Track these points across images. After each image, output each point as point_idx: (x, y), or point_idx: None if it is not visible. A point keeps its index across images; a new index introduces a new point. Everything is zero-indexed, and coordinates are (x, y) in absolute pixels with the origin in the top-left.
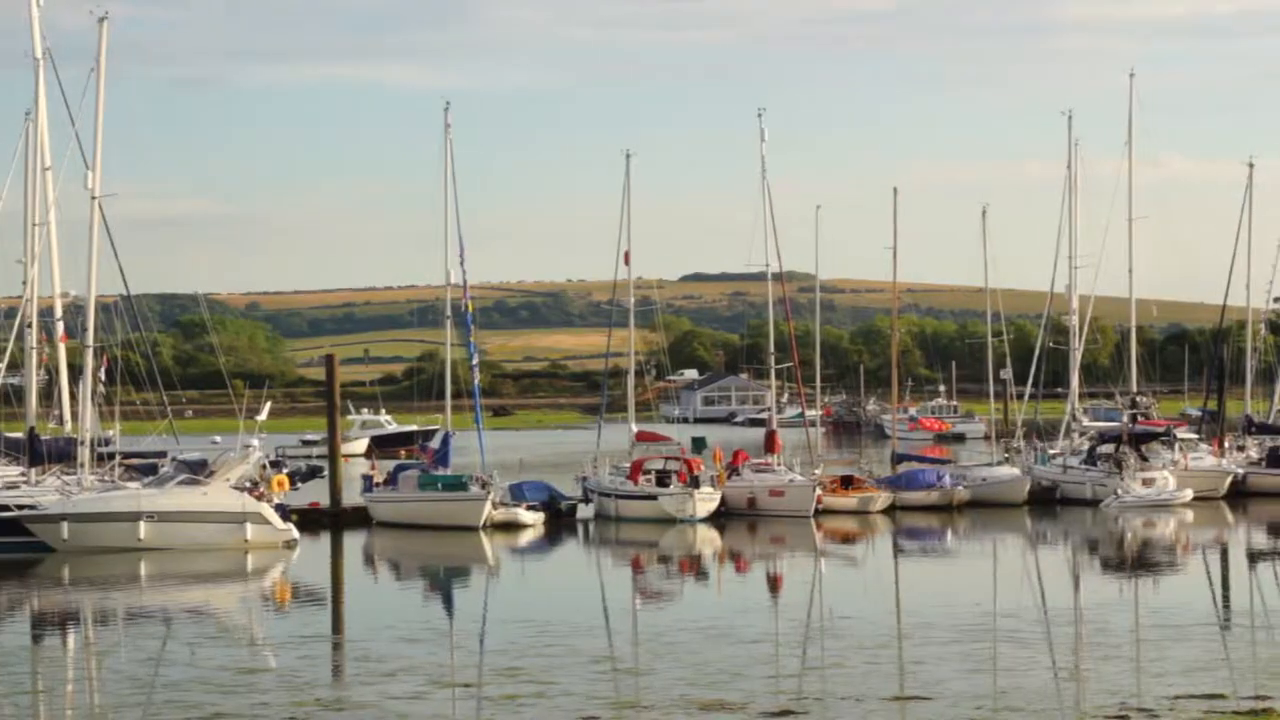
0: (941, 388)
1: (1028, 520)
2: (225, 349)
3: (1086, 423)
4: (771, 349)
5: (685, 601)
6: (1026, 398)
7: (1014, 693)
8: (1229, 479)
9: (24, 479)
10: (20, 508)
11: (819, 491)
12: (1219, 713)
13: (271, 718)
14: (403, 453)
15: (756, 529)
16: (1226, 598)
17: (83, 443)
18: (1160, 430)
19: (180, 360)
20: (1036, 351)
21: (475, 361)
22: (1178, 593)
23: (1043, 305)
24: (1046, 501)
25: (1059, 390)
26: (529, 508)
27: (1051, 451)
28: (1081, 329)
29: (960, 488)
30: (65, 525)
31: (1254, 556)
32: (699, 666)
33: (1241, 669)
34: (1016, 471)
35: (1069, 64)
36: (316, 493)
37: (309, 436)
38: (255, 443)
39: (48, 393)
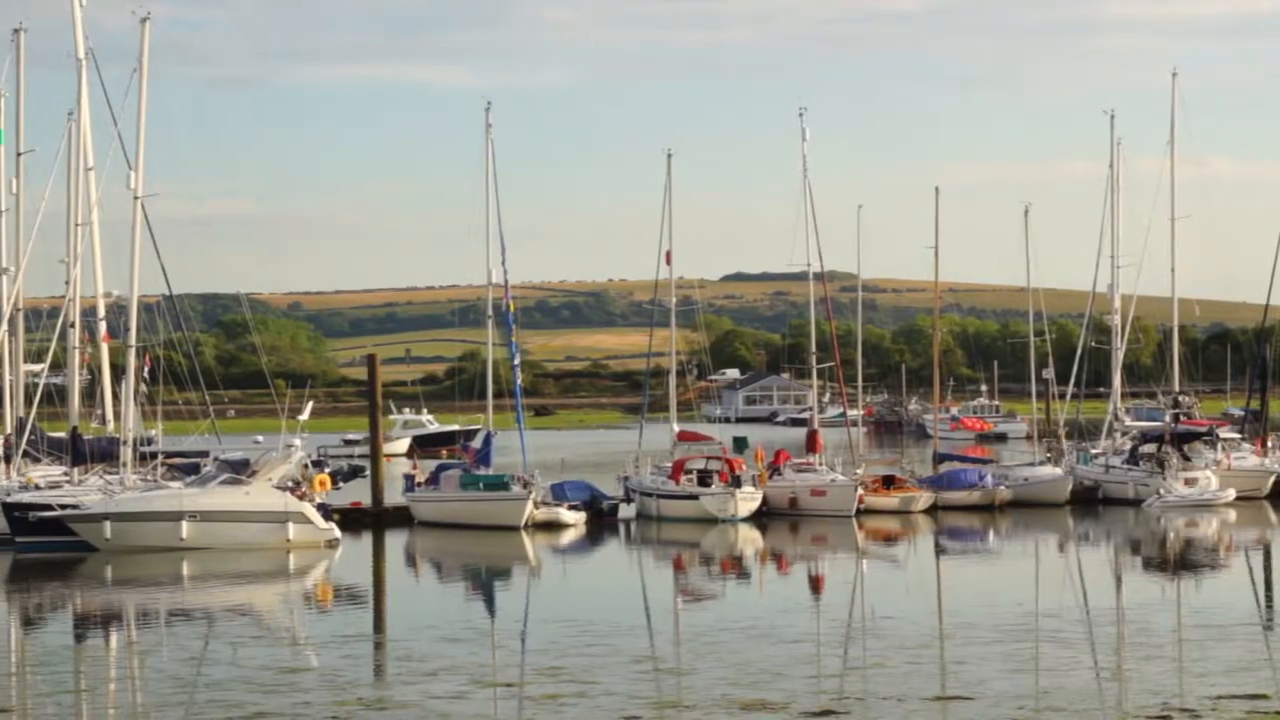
0: (983, 387)
1: (1070, 520)
2: (267, 349)
3: (1129, 422)
4: (813, 348)
5: (727, 601)
6: (1069, 397)
7: (1056, 693)
8: (1272, 479)
9: (67, 478)
10: (63, 507)
11: (860, 491)
12: (1261, 713)
13: (313, 717)
14: (444, 452)
15: (798, 529)
16: (1269, 598)
17: (125, 442)
18: (1203, 430)
19: (222, 360)
20: (1079, 351)
21: (517, 361)
22: (1220, 593)
23: (1085, 305)
24: (1089, 501)
25: (1101, 390)
26: (570, 507)
27: (1094, 451)
28: (1124, 328)
29: (1002, 487)
30: (108, 525)
31: None
32: (740, 666)
33: None
34: (1059, 471)
35: (1110, 63)
36: (358, 492)
37: (351, 436)
38: (297, 442)
39: (90, 392)
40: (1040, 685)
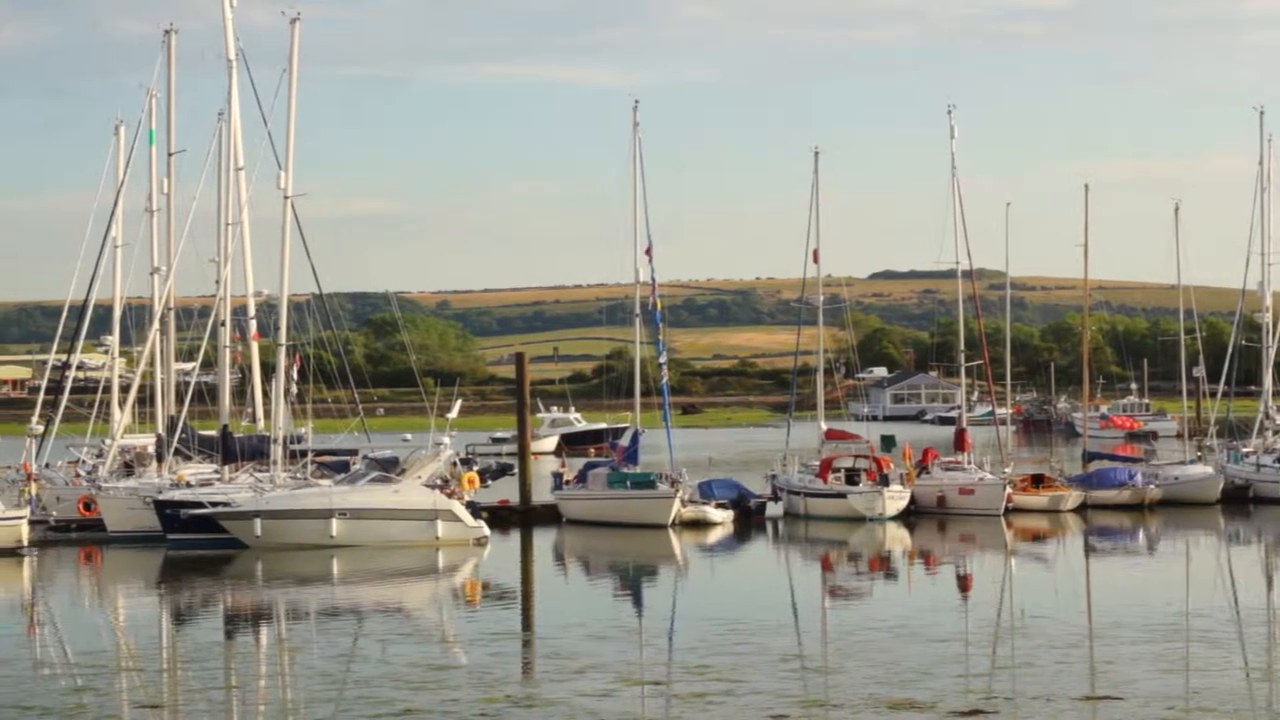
0: (1133, 385)
1: (1221, 519)
2: (416, 347)
3: None
4: (961, 346)
5: (874, 600)
6: (1219, 396)
7: (1206, 693)
8: None
9: (217, 476)
10: (214, 505)
11: (1009, 490)
12: None
13: (462, 714)
14: (592, 450)
15: (946, 527)
16: None
17: (275, 440)
18: None
19: (372, 358)
20: (1229, 349)
21: (664, 359)
22: None
23: (1235, 302)
24: (1239, 500)
25: (1252, 388)
26: (718, 505)
27: (1245, 450)
28: (1275, 326)
29: (1152, 486)
30: (258, 522)
31: None
32: (888, 665)
33: None
34: (1209, 470)
35: (1260, 58)
36: (506, 490)
37: (499, 434)
38: (446, 440)
39: (240, 391)
40: (1190, 685)
